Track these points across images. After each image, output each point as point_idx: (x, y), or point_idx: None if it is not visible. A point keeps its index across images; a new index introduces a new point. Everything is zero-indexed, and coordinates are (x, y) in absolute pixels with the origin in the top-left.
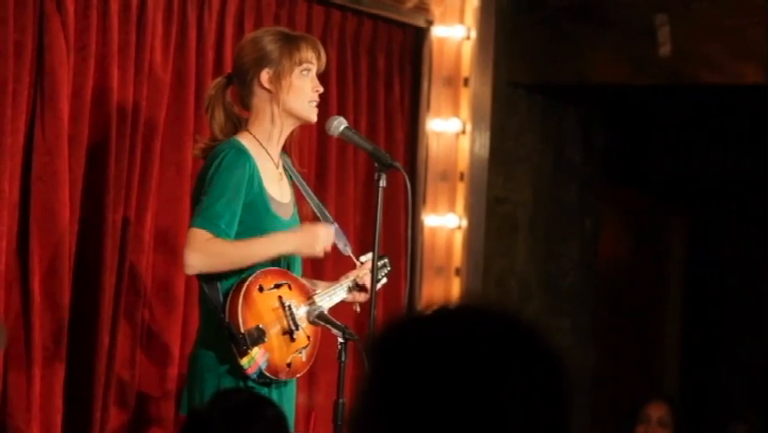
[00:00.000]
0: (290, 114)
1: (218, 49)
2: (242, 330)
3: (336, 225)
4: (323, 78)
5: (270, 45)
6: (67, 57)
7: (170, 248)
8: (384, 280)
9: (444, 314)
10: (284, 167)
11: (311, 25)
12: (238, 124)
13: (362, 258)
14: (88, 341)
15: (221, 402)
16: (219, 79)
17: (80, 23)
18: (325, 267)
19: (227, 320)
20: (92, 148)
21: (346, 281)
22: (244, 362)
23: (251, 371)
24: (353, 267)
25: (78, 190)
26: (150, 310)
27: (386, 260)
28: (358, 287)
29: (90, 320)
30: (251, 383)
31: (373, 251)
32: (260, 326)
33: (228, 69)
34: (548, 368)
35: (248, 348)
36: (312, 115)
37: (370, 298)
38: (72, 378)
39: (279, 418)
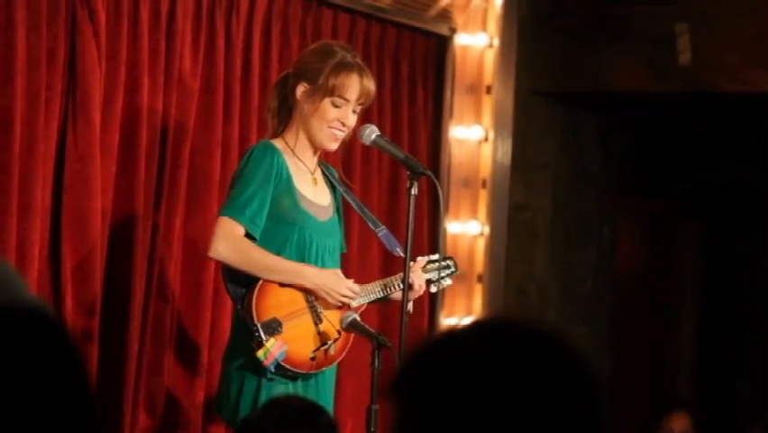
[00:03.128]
0: (308, 136)
1: (246, 56)
2: (256, 321)
3: (385, 228)
4: None
5: (323, 63)
6: (98, 65)
7: (199, 254)
8: (448, 282)
9: (476, 331)
10: (324, 174)
11: (336, 33)
12: (283, 121)
13: (419, 258)
14: (118, 346)
15: (273, 411)
16: (283, 73)
17: (111, 31)
18: (349, 272)
19: (243, 312)
20: (122, 155)
21: (393, 280)
22: (260, 354)
23: (267, 362)
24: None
25: (109, 197)
26: (178, 316)
27: (450, 261)
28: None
29: (120, 326)
30: (269, 375)
31: (405, 257)
32: (277, 318)
33: (255, 76)
34: (578, 380)
35: (263, 340)
36: (329, 144)
37: (402, 305)
38: (102, 383)
39: (331, 427)
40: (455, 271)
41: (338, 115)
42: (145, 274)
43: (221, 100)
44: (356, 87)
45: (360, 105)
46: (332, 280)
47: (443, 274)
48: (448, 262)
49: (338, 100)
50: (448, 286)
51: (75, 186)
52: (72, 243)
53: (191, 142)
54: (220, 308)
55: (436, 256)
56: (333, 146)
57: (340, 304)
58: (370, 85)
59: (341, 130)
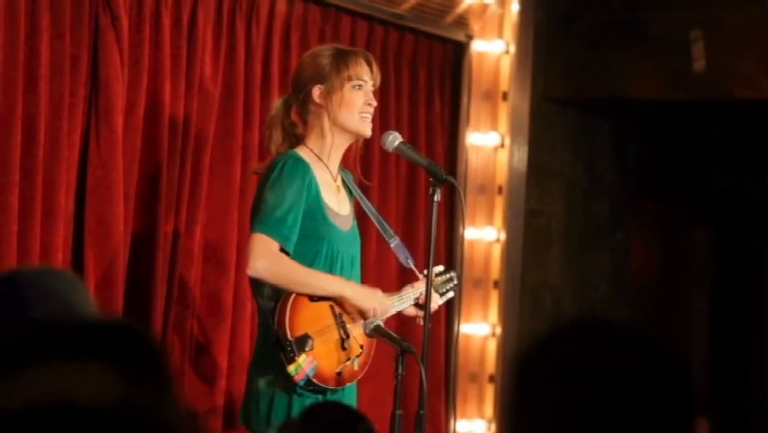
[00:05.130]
0: (342, 128)
1: (265, 63)
2: (290, 337)
3: (398, 238)
4: None
5: (323, 62)
6: (121, 71)
7: (219, 260)
8: (451, 294)
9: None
10: (343, 181)
11: (355, 39)
12: (297, 142)
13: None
14: None
15: (314, 418)
16: (279, 101)
17: (134, 37)
18: (367, 279)
19: (275, 327)
20: (144, 161)
21: (410, 293)
22: (291, 369)
23: (298, 378)
24: (415, 280)
25: (132, 203)
26: (198, 322)
27: (453, 273)
28: (419, 302)
29: None
30: (300, 391)
31: (428, 264)
32: (308, 333)
33: (275, 82)
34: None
35: (295, 355)
36: (364, 129)
37: (425, 310)
38: None
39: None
40: (458, 284)
41: (364, 98)
42: (166, 280)
43: (241, 106)
44: (365, 67)
45: (373, 85)
46: (368, 296)
47: (447, 287)
48: (452, 274)
49: (357, 82)
50: (450, 298)
51: (98, 191)
52: (95, 248)
53: (211, 148)
54: (240, 313)
55: (441, 268)
56: (369, 130)
57: (371, 315)
58: (374, 63)
59: (369, 113)
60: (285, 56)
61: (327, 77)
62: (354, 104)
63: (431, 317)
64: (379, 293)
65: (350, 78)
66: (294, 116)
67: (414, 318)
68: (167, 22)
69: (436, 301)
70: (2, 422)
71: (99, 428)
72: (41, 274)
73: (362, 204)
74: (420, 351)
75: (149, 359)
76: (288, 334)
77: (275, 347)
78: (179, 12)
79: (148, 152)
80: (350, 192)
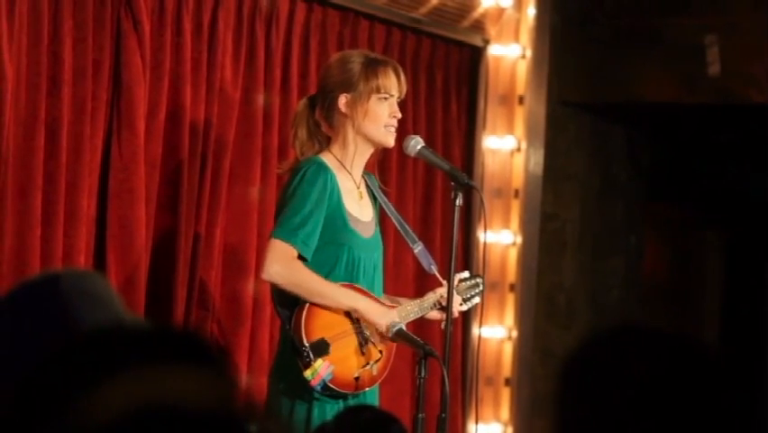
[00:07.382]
0: (366, 138)
1: (285, 67)
2: (305, 342)
3: (422, 244)
4: None
5: (352, 70)
6: (143, 75)
7: (239, 263)
8: (476, 300)
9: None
10: (367, 186)
11: (372, 44)
12: (321, 143)
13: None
14: None
15: (348, 420)
16: (304, 100)
17: (155, 41)
18: (384, 284)
19: (292, 332)
20: (166, 165)
21: (432, 299)
22: (308, 374)
23: (315, 383)
24: (439, 285)
25: (153, 206)
26: (218, 325)
27: (479, 279)
28: (441, 305)
29: None
30: (318, 396)
31: (449, 269)
32: (325, 338)
33: (294, 86)
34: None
35: (311, 360)
36: (388, 140)
37: (447, 314)
38: None
39: None
40: (483, 290)
41: (389, 111)
42: (187, 282)
43: (261, 110)
44: (393, 79)
45: (399, 97)
46: (380, 311)
47: (473, 293)
48: (477, 280)
49: (384, 95)
50: (476, 304)
51: (120, 195)
52: (117, 251)
53: (232, 152)
54: (259, 316)
55: (467, 274)
56: (392, 141)
57: (383, 332)
58: (402, 74)
59: (394, 125)
60: (304, 60)
61: (355, 86)
62: (379, 116)
63: (452, 321)
64: (392, 313)
65: (377, 90)
66: (318, 117)
67: (436, 322)
68: (188, 26)
69: (459, 306)
70: (104, 425)
71: (203, 431)
72: (80, 277)
73: (386, 209)
74: (441, 354)
75: (222, 363)
76: (304, 339)
77: (293, 353)
78: (200, 16)
79: (169, 156)
80: (374, 198)
